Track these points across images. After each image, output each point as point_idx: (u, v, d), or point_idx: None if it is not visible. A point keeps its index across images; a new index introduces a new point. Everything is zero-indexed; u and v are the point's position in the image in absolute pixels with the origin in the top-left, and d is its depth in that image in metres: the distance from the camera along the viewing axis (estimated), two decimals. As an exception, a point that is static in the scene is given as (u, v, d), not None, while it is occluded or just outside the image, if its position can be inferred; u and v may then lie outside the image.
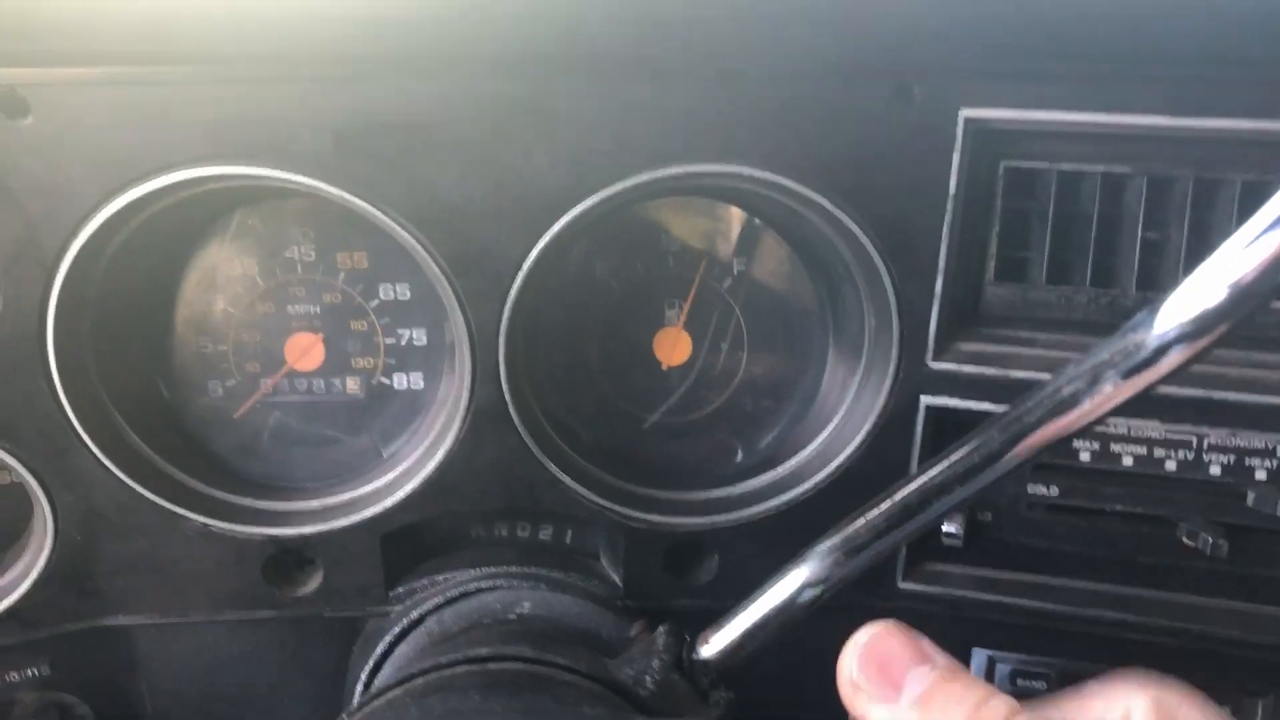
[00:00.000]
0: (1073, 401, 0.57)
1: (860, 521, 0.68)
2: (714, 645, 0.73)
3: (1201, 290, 0.52)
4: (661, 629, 0.75)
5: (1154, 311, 0.54)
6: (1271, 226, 0.50)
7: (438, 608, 0.95)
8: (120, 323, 0.94)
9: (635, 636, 0.84)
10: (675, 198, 0.99)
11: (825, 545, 0.69)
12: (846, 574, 0.68)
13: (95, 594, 0.96)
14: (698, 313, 1.03)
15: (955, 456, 0.64)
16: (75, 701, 1.03)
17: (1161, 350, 0.53)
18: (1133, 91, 0.79)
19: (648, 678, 0.71)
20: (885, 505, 0.67)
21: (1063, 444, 0.94)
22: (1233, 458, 0.95)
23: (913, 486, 0.65)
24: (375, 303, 1.02)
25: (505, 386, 0.91)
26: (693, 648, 0.74)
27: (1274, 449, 0.94)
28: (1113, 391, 0.55)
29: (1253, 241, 0.51)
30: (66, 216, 0.82)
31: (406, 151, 0.83)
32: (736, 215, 1.01)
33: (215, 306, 1.00)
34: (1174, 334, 0.52)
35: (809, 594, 0.69)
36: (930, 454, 0.93)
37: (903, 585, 1.00)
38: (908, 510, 0.65)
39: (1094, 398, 0.56)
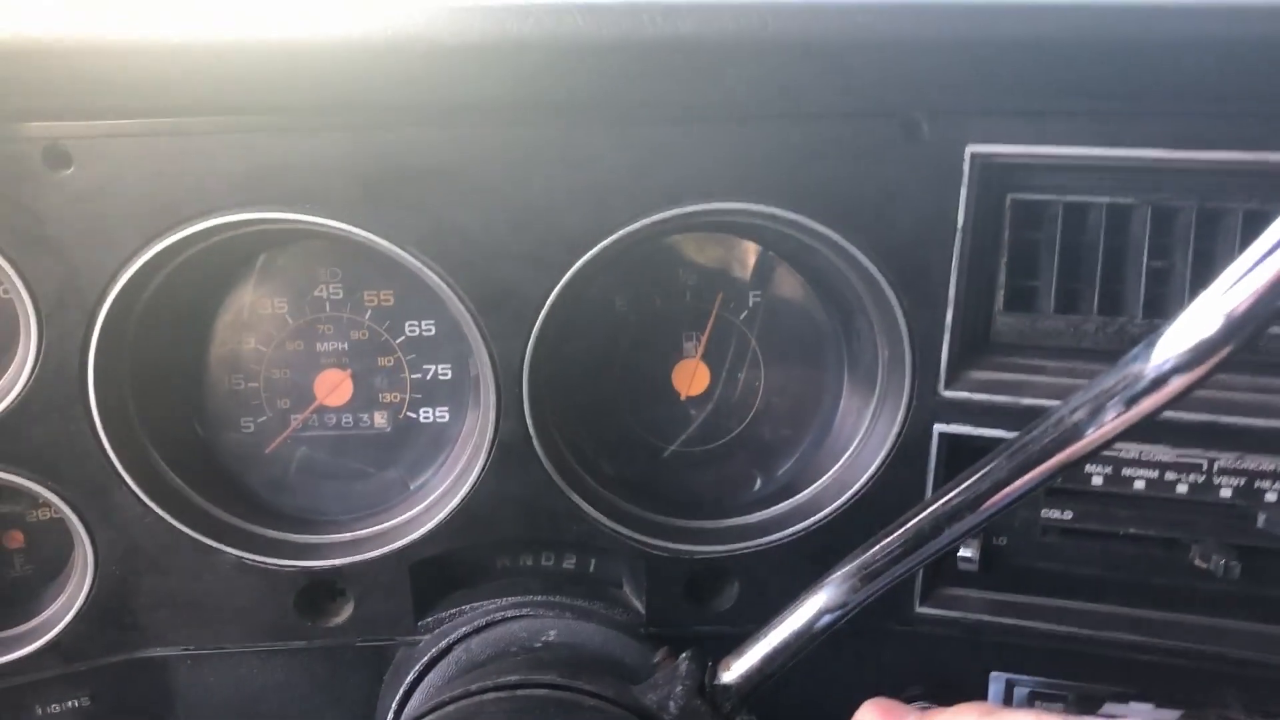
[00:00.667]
0: (1079, 429, 0.60)
1: (876, 548, 0.70)
2: (735, 671, 0.75)
3: (1199, 320, 0.54)
4: (684, 656, 0.77)
5: (1153, 342, 0.56)
6: (1262, 259, 0.52)
7: (466, 636, 0.98)
8: (156, 364, 0.97)
9: (659, 663, 0.86)
10: (692, 233, 1.02)
11: (842, 572, 0.71)
12: (863, 599, 0.71)
13: (134, 627, 0.99)
14: (715, 344, 1.05)
15: (967, 483, 0.66)
16: (114, 733, 1.06)
17: (1162, 379, 0.55)
18: (1135, 126, 0.82)
19: (671, 703, 0.73)
20: (900, 532, 0.69)
21: (1075, 469, 0.97)
22: (1243, 480, 0.97)
23: (926, 514, 0.68)
24: (401, 339, 1.04)
25: (529, 420, 0.93)
26: (714, 674, 0.76)
27: (1284, 472, 0.96)
28: (1117, 418, 0.58)
29: (1245, 274, 0.53)
30: (107, 262, 0.86)
31: (432, 195, 0.86)
32: (751, 249, 1.03)
33: (246, 345, 1.03)
34: (1173, 363, 0.55)
35: (827, 619, 0.72)
36: (944, 480, 0.95)
37: (920, 609, 1.02)
38: (921, 536, 0.67)
39: (1099, 425, 0.59)
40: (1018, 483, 0.63)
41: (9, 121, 0.82)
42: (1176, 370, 0.55)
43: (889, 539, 0.69)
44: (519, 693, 0.70)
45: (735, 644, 0.80)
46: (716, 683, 0.75)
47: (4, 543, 1.05)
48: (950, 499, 0.66)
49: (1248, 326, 0.54)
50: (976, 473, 0.65)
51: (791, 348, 1.05)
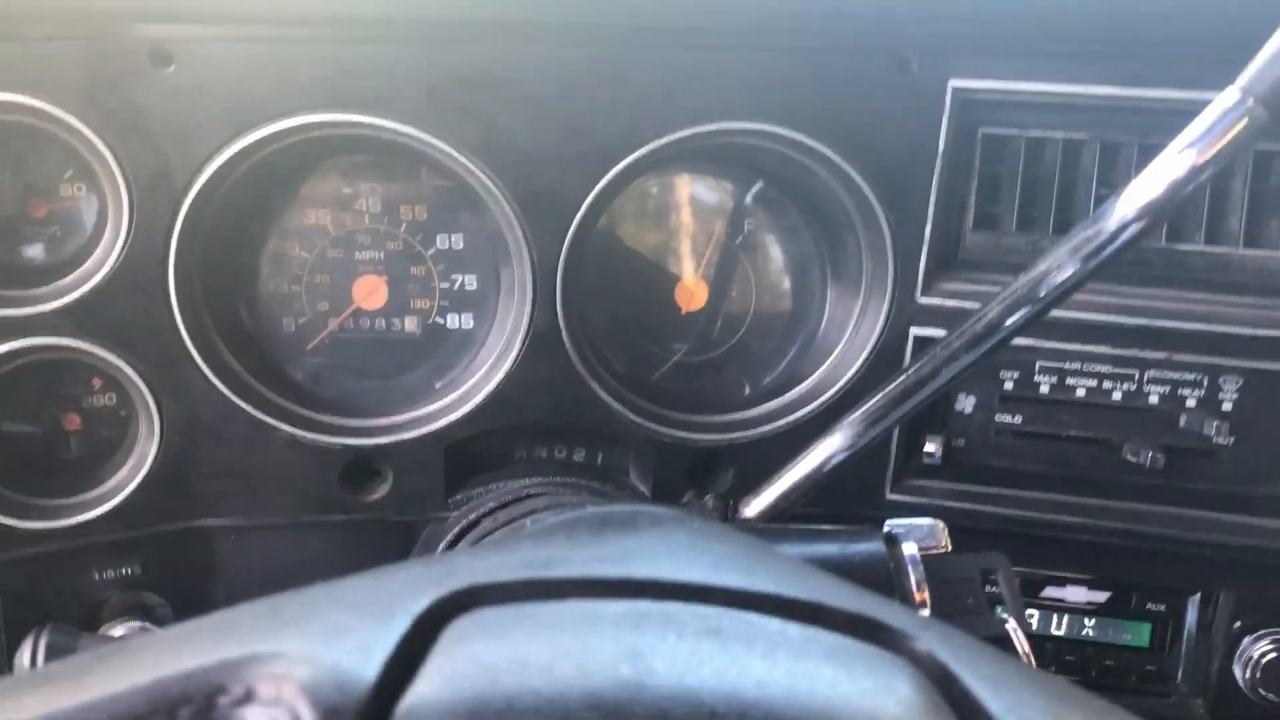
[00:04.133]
0: (1059, 270, 0.75)
1: (879, 396, 0.84)
2: (755, 507, 0.88)
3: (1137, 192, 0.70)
4: (709, 495, 0.90)
5: (1110, 206, 0.71)
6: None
7: (492, 510, 1.09)
8: (222, 257, 1.07)
9: (686, 503, 0.99)
10: (699, 167, 1.16)
11: (850, 419, 0.85)
12: (866, 442, 0.84)
13: (191, 497, 1.09)
14: (714, 265, 1.19)
15: (961, 330, 0.80)
16: (159, 602, 1.14)
17: (1115, 235, 0.71)
18: (1092, 66, 0.98)
19: (700, 532, 0.86)
20: (900, 380, 0.83)
21: (1026, 374, 1.12)
22: (1168, 388, 1.12)
23: (925, 361, 0.82)
24: (433, 250, 1.16)
25: (560, 314, 1.06)
26: (736, 510, 0.89)
27: (1202, 381, 1.12)
28: (1080, 267, 0.73)
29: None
30: (196, 154, 0.96)
31: (488, 104, 0.98)
32: (750, 182, 1.17)
33: (293, 250, 1.14)
34: (1129, 219, 0.70)
35: (836, 460, 0.85)
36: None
37: (890, 496, 1.16)
38: (920, 381, 0.81)
39: (1066, 271, 0.74)
40: (1005, 324, 0.77)
41: (121, 22, 0.92)
42: (1127, 226, 0.70)
43: (890, 388, 0.83)
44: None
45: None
46: (738, 517, 0.88)
47: (63, 424, 1.13)
48: (943, 347, 0.80)
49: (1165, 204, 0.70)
50: (969, 322, 0.80)
51: (781, 268, 1.19)
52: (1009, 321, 0.77)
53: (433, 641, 0.41)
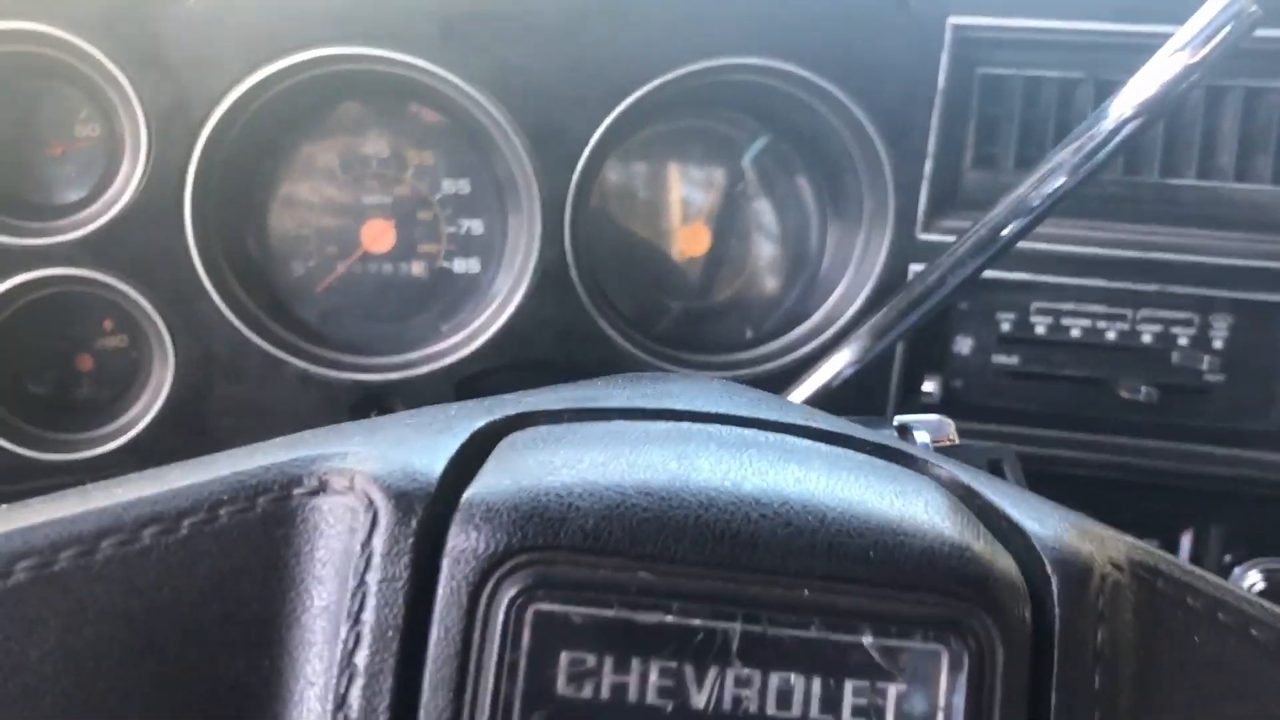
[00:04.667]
0: (1052, 173, 0.78)
1: (885, 310, 0.86)
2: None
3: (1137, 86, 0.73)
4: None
5: (1108, 107, 0.74)
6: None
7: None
8: (235, 194, 1.09)
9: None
10: (703, 117, 1.18)
11: (859, 332, 0.87)
12: (875, 354, 0.87)
13: (205, 432, 1.10)
14: (716, 211, 1.21)
15: (958, 241, 0.83)
16: (170, 542, 1.16)
17: (1112, 133, 0.74)
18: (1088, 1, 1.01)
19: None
20: (906, 291, 0.85)
21: (1023, 316, 1.14)
22: (1161, 327, 1.15)
23: (930, 270, 0.84)
24: (439, 196, 1.18)
25: (569, 250, 1.08)
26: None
27: (1192, 320, 1.15)
28: (1079, 168, 0.76)
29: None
30: (214, 86, 0.98)
31: (499, 38, 1.00)
32: (751, 130, 1.19)
33: (303, 192, 1.16)
34: (1126, 117, 0.73)
35: (848, 371, 0.87)
36: (918, 314, 1.12)
37: (892, 432, 1.18)
38: (927, 291, 0.84)
39: (1065, 173, 0.77)
40: (1007, 229, 0.80)
41: (140, -49, 0.94)
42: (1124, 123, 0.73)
43: (896, 300, 0.86)
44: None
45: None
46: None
47: (76, 364, 1.15)
48: (948, 255, 0.83)
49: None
50: (972, 229, 0.82)
51: (783, 213, 1.22)
52: (1010, 227, 0.80)
53: (489, 452, 0.43)
